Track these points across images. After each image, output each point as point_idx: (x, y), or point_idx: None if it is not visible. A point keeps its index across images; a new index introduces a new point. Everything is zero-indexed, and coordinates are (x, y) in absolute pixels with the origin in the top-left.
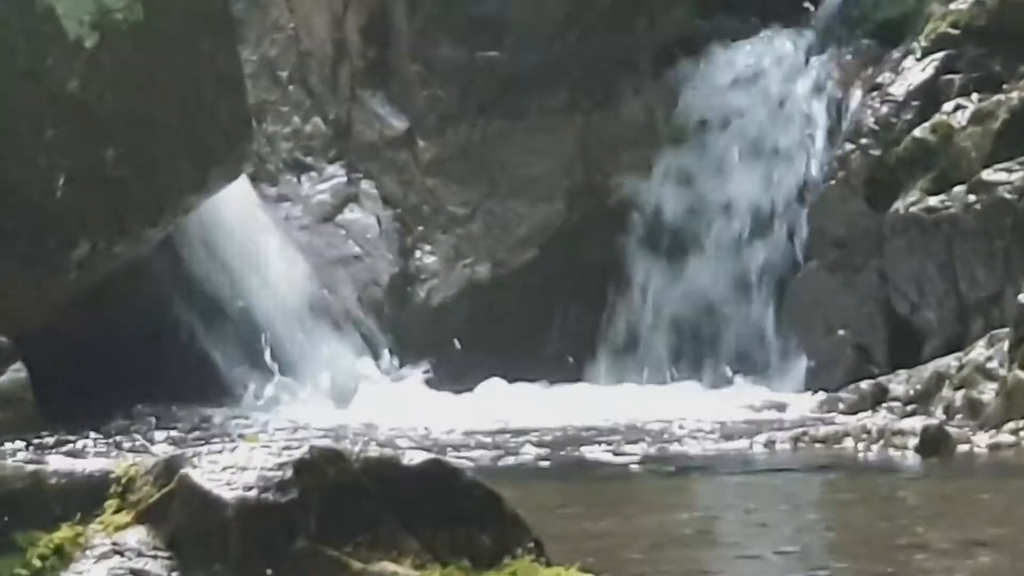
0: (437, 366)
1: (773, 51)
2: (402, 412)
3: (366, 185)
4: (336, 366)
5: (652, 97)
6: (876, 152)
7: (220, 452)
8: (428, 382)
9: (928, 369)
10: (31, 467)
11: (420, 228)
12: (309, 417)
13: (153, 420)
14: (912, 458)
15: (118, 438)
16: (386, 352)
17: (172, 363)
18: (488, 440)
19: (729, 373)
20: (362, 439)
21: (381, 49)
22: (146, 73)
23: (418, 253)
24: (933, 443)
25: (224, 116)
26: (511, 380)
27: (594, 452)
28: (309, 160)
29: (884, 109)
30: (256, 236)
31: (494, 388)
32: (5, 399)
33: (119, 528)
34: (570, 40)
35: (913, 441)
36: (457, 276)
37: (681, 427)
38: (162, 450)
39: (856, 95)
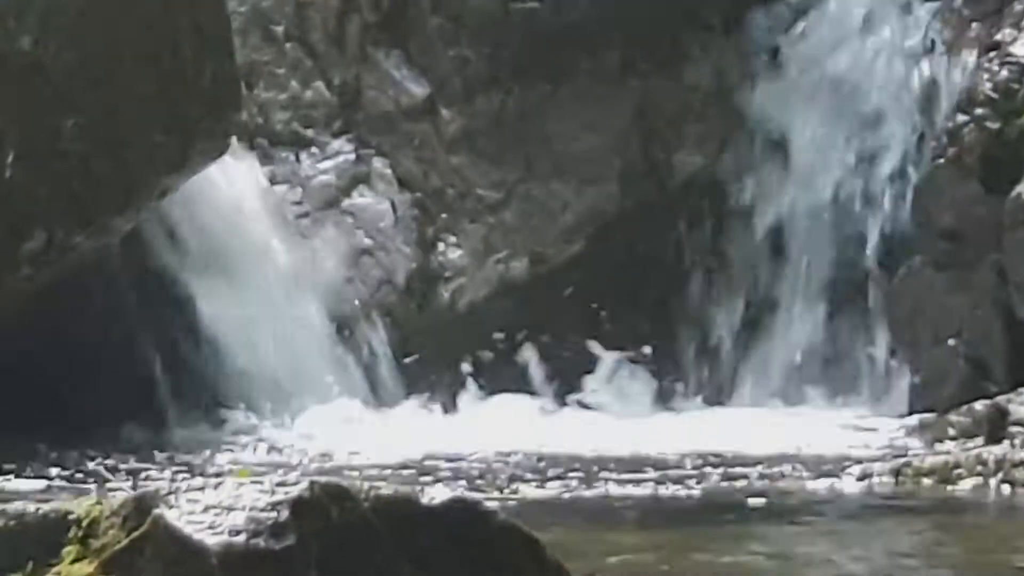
0: (464, 380)
1: (868, 1)
2: (427, 437)
3: (379, 164)
4: (340, 384)
5: (723, 58)
6: (994, 125)
7: (202, 489)
8: (449, 401)
9: None
10: None
11: (444, 216)
12: (310, 446)
13: (116, 448)
14: None
15: (72, 469)
16: (393, 366)
17: (138, 379)
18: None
19: (815, 391)
20: (383, 470)
21: None
22: (112, 28)
23: (441, 246)
24: None
25: (207, 79)
26: (552, 396)
27: (640, 485)
28: (310, 133)
29: (1004, 73)
30: (248, 225)
31: (530, 406)
32: None
33: None
34: None
35: None
36: (488, 273)
37: (757, 456)
38: (130, 485)
39: (971, 56)
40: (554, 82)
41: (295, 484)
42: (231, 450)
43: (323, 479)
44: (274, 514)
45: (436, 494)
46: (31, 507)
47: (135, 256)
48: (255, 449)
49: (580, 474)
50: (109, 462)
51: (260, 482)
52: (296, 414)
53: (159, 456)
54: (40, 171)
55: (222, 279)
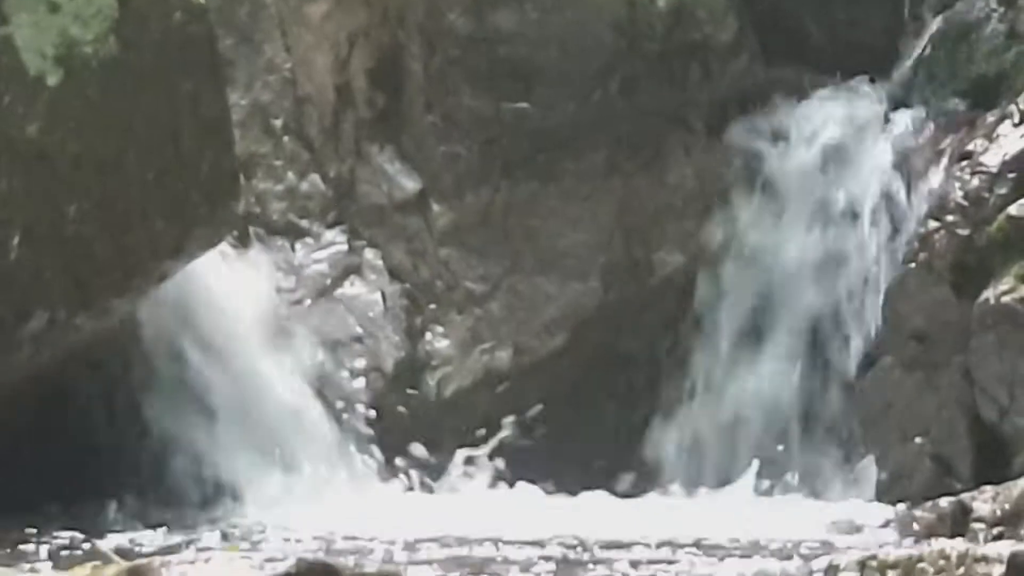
0: (447, 466)
1: (845, 109)
2: (415, 519)
3: (370, 255)
4: (326, 465)
5: (705, 159)
6: (964, 231)
7: (192, 563)
8: (431, 485)
9: (1019, 486)
10: None
11: (432, 306)
12: (297, 521)
13: (108, 521)
14: None
15: (68, 542)
16: (380, 450)
17: (134, 454)
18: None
19: (787, 482)
20: (368, 550)
21: (391, 96)
22: (117, 117)
23: (429, 335)
24: (1022, 572)
25: (207, 170)
26: (531, 483)
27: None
28: (305, 224)
29: (975, 182)
30: (244, 310)
31: (513, 494)
32: None
33: None
34: (611, 91)
35: (999, 570)
36: (473, 363)
37: (720, 544)
38: (122, 557)
39: (942, 164)
40: (541, 180)
41: (283, 560)
42: (220, 529)
43: (310, 557)
44: None
45: (418, 574)
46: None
47: (133, 337)
48: (239, 528)
49: (573, 556)
50: (99, 541)
51: (249, 557)
52: (284, 495)
53: (150, 533)
54: (44, 254)
55: (218, 363)
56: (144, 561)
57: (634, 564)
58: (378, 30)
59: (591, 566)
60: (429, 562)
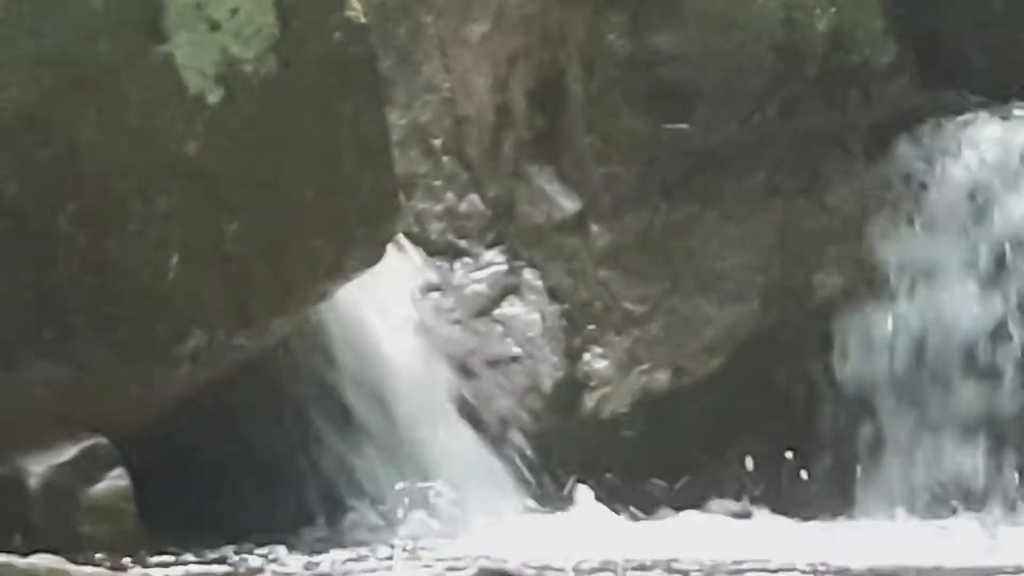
0: (604, 488)
1: (1005, 130)
2: (566, 541)
3: (529, 275)
4: (485, 487)
5: (864, 181)
6: None
7: (374, 571)
8: (593, 507)
9: None
10: None
11: (591, 327)
12: (453, 544)
13: (278, 536)
14: None
15: (240, 557)
16: (538, 471)
17: (296, 471)
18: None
19: (958, 511)
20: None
21: (551, 117)
22: (277, 137)
23: (587, 356)
24: None
25: (366, 189)
26: (686, 507)
27: None
28: (464, 244)
29: None
30: (402, 330)
31: (665, 516)
32: (102, 510)
33: None
34: (770, 113)
35: None
36: (632, 384)
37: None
38: (297, 570)
39: None
40: (701, 202)
41: (464, 569)
42: (392, 545)
43: (491, 565)
44: None
45: None
46: None
47: (293, 354)
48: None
49: None
50: (270, 551)
51: (430, 566)
52: (439, 517)
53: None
54: (203, 273)
55: (373, 386)
56: (325, 570)
57: None
58: (538, 51)
59: None
60: None
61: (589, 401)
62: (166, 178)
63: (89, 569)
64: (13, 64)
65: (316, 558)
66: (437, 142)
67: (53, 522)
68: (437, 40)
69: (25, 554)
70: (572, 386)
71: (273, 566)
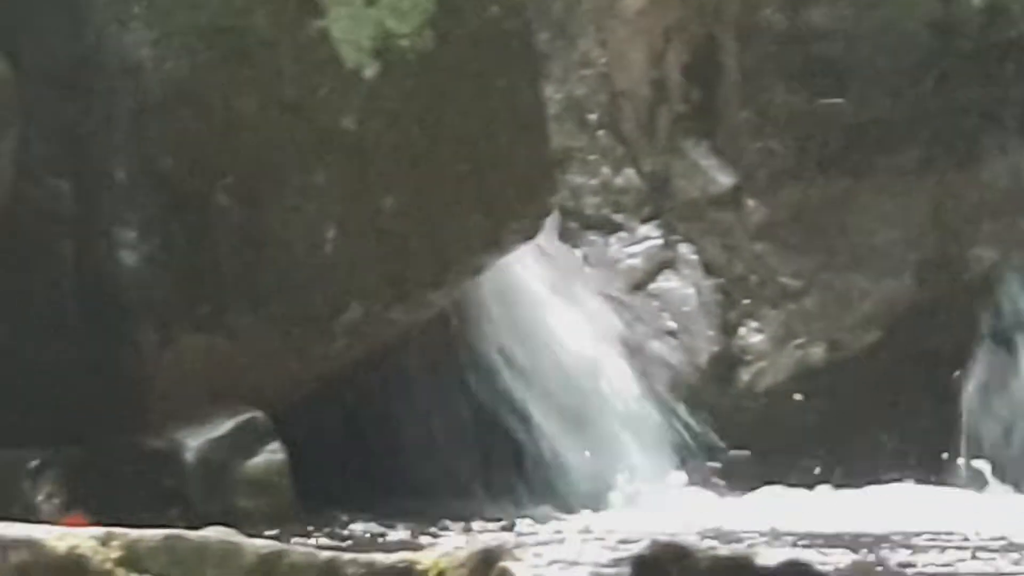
0: (762, 462)
1: None
2: (731, 514)
3: (685, 249)
4: (646, 460)
5: (1019, 157)
6: None
7: (547, 544)
8: (752, 480)
9: None
10: (325, 554)
11: (746, 301)
12: (623, 519)
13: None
14: None
15: (395, 531)
16: (695, 446)
17: (454, 445)
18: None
19: None
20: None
21: (706, 91)
22: (433, 110)
23: (743, 330)
24: None
25: (522, 164)
26: (843, 480)
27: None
28: (619, 218)
29: None
30: (560, 304)
31: (824, 489)
32: (259, 484)
33: None
34: (925, 88)
35: None
36: (787, 359)
37: None
38: (463, 541)
39: None
40: (856, 176)
41: (636, 542)
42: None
43: (664, 538)
44: (616, 570)
45: (770, 556)
46: (380, 557)
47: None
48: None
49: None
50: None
51: (602, 538)
52: (607, 492)
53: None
54: (359, 246)
55: (534, 357)
56: (497, 543)
57: None
58: (693, 25)
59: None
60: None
61: (745, 375)
62: (322, 152)
63: (260, 542)
64: (170, 37)
65: (484, 531)
66: (593, 116)
67: (209, 496)
68: (592, 14)
69: (193, 527)
70: (728, 360)
71: (431, 539)
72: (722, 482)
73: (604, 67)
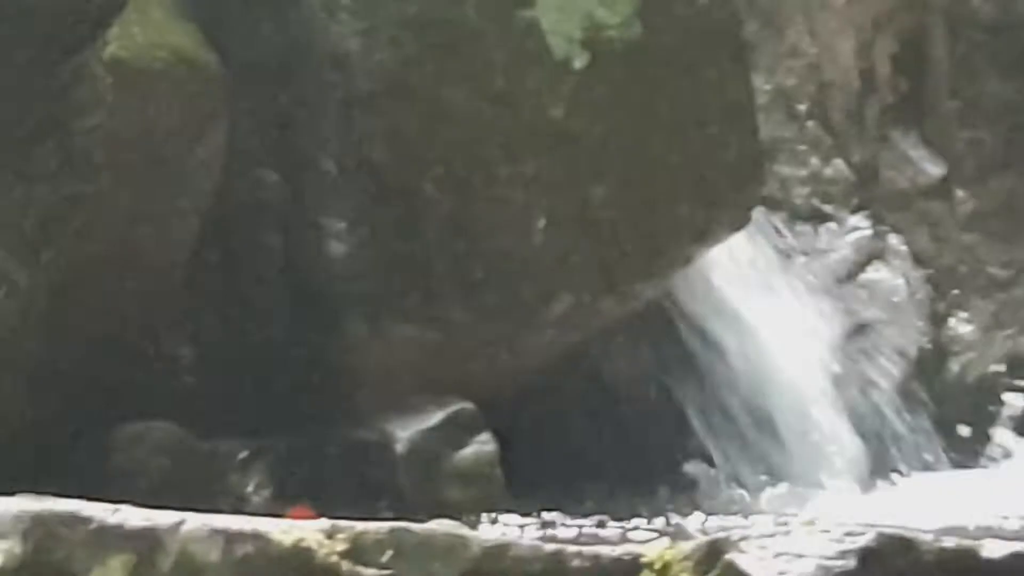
0: (975, 449)
1: None
2: (945, 505)
3: (894, 240)
4: (855, 453)
5: None
6: None
7: (772, 535)
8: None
9: None
10: (550, 546)
11: (955, 292)
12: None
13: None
14: None
15: (619, 521)
16: (907, 436)
17: (664, 437)
18: None
19: None
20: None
21: (914, 82)
22: (642, 101)
23: (952, 321)
24: None
25: (732, 154)
26: None
27: None
28: (828, 209)
29: None
30: (765, 295)
31: None
32: (468, 475)
33: None
34: None
35: None
36: (997, 349)
37: None
38: (685, 533)
39: None
40: None
41: (863, 534)
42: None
43: (890, 531)
44: (842, 562)
45: (996, 548)
46: (605, 550)
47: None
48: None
49: None
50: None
51: (828, 530)
52: (804, 486)
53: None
54: (568, 236)
55: (740, 351)
56: (722, 535)
57: None
58: (902, 15)
59: None
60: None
61: (954, 366)
62: (531, 142)
63: (485, 534)
64: (379, 28)
65: (704, 522)
66: (801, 107)
67: (418, 487)
68: (800, 4)
69: (403, 518)
70: (938, 351)
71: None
72: (932, 473)
73: (813, 57)
